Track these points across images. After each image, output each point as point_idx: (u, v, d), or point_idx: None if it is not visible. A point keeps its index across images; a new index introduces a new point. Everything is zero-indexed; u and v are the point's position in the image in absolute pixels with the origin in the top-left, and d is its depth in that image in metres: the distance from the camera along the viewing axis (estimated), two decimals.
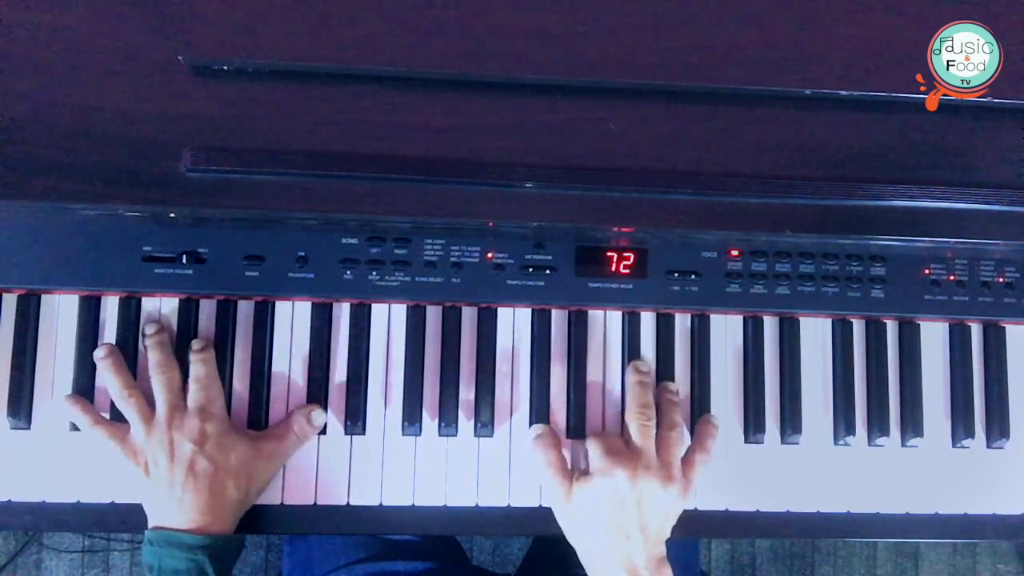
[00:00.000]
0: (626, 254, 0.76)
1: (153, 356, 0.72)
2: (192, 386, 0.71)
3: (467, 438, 0.76)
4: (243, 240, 0.73)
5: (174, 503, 0.68)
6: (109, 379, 0.71)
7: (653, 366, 0.78)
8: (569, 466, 0.74)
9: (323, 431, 0.75)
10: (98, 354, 0.72)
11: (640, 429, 0.73)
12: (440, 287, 0.74)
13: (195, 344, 0.73)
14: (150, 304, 0.74)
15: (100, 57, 0.65)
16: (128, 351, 0.73)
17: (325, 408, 0.75)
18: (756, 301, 0.77)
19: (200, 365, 0.72)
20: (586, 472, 0.72)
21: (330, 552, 0.89)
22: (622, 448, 0.72)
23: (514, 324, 0.77)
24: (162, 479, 0.69)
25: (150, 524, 0.69)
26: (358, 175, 0.66)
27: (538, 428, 0.75)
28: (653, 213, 0.68)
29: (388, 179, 0.66)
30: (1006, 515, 0.80)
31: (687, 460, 0.74)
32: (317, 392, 0.75)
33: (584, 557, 0.72)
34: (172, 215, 0.69)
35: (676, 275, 0.76)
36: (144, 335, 0.73)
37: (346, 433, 0.75)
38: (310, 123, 0.66)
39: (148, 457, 0.69)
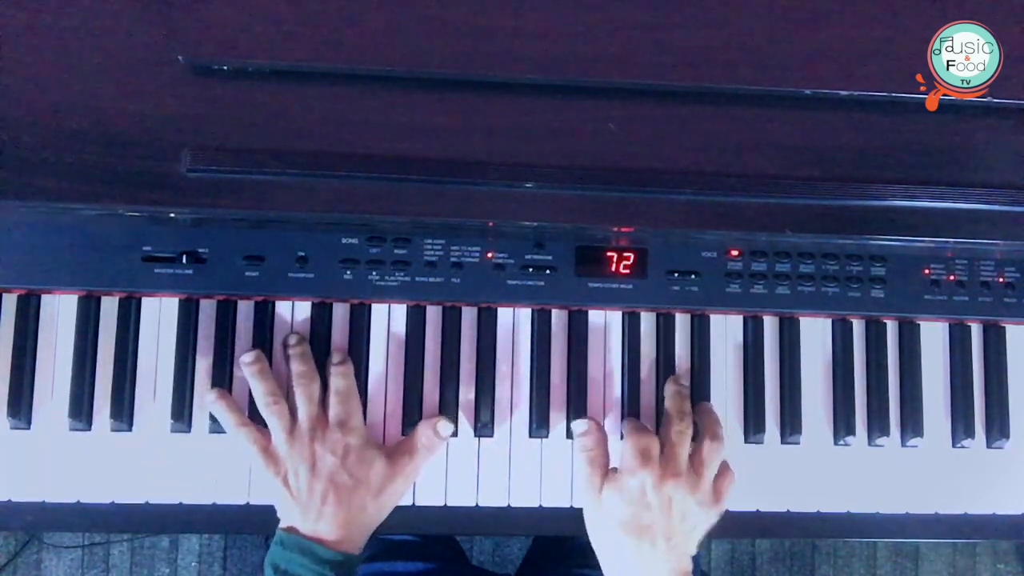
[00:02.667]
0: (626, 254, 0.76)
1: (296, 366, 0.72)
2: (333, 399, 0.71)
3: (467, 438, 0.76)
4: (243, 240, 0.73)
5: (312, 514, 0.68)
6: (255, 384, 0.71)
7: (654, 365, 0.78)
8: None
9: None
10: (245, 359, 0.72)
11: (677, 435, 0.72)
12: (440, 287, 0.74)
13: (335, 357, 0.73)
14: (150, 304, 0.74)
15: (100, 57, 0.65)
16: (130, 351, 0.73)
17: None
18: (756, 301, 0.77)
19: (340, 378, 0.72)
20: (616, 471, 0.72)
21: None
22: (655, 450, 0.71)
23: (514, 324, 0.77)
24: (302, 491, 0.68)
25: (283, 524, 0.69)
26: (358, 175, 0.66)
27: (585, 423, 0.74)
28: (653, 213, 0.68)
29: (388, 179, 0.66)
30: (1006, 515, 0.80)
31: (719, 475, 0.73)
32: None
33: (605, 564, 0.71)
34: (172, 215, 0.69)
35: (676, 275, 0.76)
36: (287, 346, 0.73)
37: None
38: (310, 123, 0.66)
39: (289, 468, 0.69)
